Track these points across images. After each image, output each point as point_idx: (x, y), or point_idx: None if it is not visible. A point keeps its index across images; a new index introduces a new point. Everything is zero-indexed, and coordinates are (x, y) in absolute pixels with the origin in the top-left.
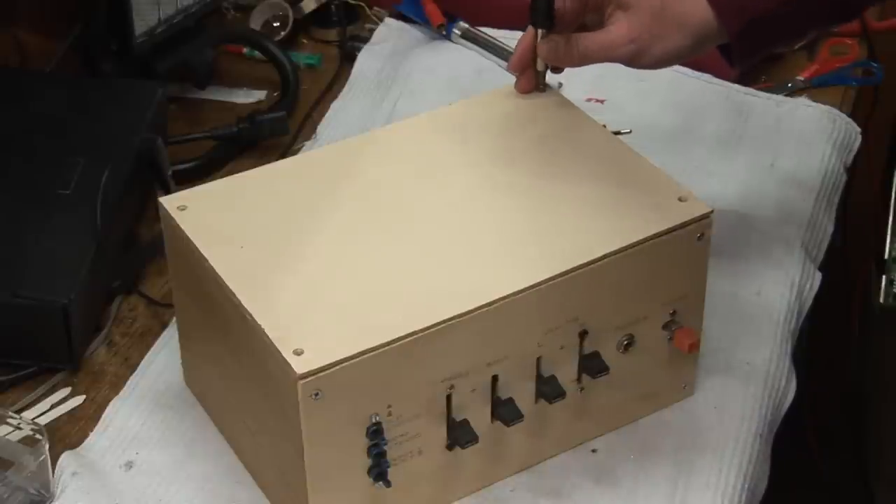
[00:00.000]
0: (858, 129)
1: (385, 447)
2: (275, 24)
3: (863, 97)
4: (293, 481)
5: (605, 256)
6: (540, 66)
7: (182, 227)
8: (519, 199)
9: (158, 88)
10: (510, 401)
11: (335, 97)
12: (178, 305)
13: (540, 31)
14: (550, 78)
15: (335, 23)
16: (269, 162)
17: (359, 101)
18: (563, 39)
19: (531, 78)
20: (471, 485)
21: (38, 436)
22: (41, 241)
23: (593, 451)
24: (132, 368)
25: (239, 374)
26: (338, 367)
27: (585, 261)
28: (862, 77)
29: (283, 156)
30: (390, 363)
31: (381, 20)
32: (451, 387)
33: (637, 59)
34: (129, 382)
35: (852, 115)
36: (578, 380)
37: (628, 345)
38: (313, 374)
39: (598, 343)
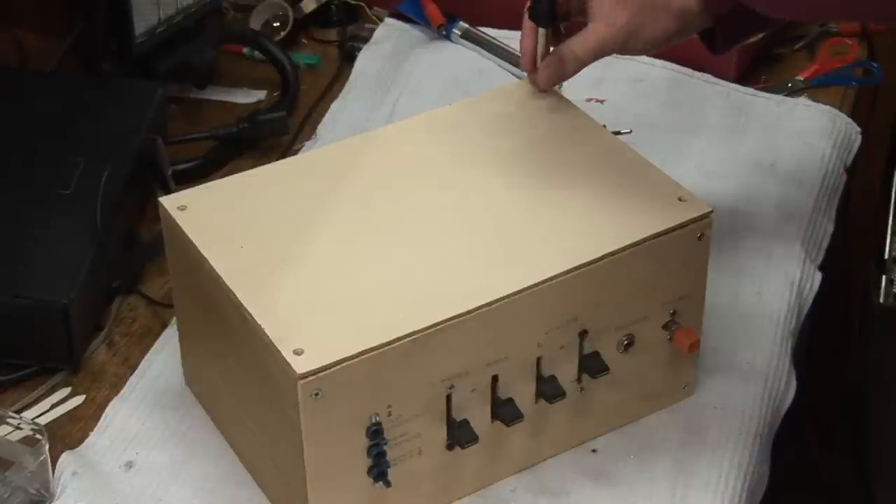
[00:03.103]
0: (858, 129)
1: (385, 447)
2: (275, 24)
3: (863, 97)
4: (293, 481)
5: (605, 256)
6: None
7: (182, 227)
8: (519, 200)
9: (158, 88)
10: (510, 401)
11: (335, 97)
12: (178, 305)
13: (541, 30)
14: None
15: (335, 23)
16: (269, 162)
17: (359, 101)
18: (556, 60)
19: None
20: (471, 485)
21: (38, 436)
22: (41, 241)
23: (593, 451)
24: (132, 368)
25: (239, 374)
26: (338, 367)
27: (585, 261)
28: (862, 77)
29: (283, 156)
30: (390, 363)
31: (381, 20)
32: (451, 387)
33: (626, 47)
34: (129, 382)
35: (852, 115)
36: (578, 380)
37: (628, 345)
38: (313, 374)
39: (598, 343)
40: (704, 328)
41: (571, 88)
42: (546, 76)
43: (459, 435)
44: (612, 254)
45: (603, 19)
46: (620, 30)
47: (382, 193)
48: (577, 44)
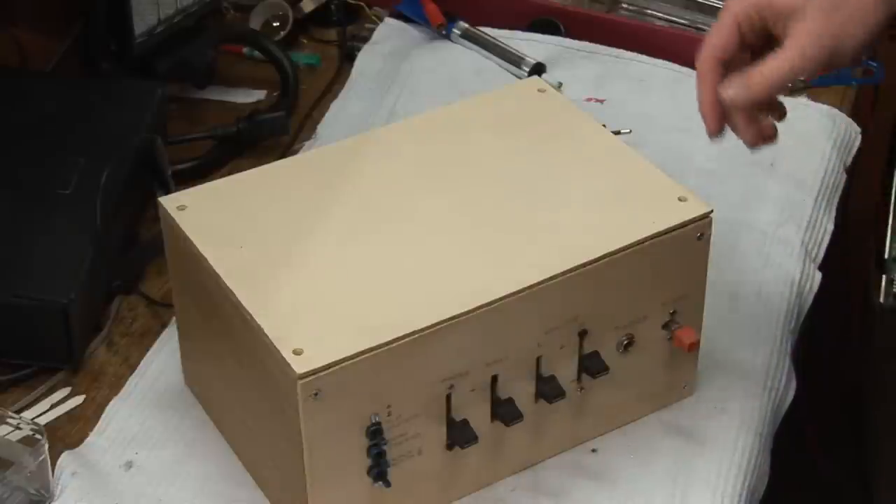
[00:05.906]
0: (858, 129)
1: (385, 447)
2: (275, 24)
3: (863, 97)
4: (293, 481)
5: (605, 256)
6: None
7: (182, 227)
8: (519, 199)
9: (158, 88)
10: (510, 401)
11: (335, 97)
12: (178, 305)
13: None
14: (550, 77)
15: (335, 23)
16: (269, 162)
17: (359, 101)
18: (741, 77)
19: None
20: (471, 485)
21: (37, 436)
22: (41, 241)
23: (593, 450)
24: (132, 368)
25: (239, 374)
26: (338, 367)
27: (585, 260)
28: (862, 77)
29: (283, 156)
30: (390, 363)
31: (381, 20)
32: (451, 387)
33: (833, 61)
34: (129, 382)
35: (852, 115)
36: (578, 380)
37: (628, 345)
38: (313, 374)
39: (598, 343)
40: (704, 328)
41: (571, 88)
42: (732, 93)
43: (459, 435)
44: (612, 254)
45: (796, 38)
46: (822, 35)
47: (382, 193)
48: (769, 65)
